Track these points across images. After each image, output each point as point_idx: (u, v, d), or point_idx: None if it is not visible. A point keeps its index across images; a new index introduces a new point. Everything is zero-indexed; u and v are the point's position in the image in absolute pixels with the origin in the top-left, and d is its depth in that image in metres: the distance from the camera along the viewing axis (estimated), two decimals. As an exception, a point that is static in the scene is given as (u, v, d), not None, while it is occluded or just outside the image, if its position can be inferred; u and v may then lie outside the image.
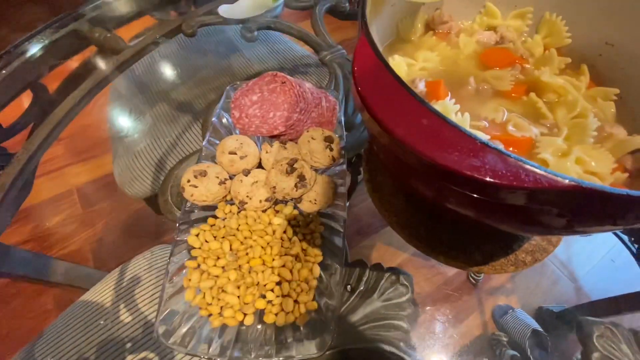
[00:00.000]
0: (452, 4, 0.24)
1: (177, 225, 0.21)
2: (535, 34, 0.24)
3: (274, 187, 0.21)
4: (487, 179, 0.11)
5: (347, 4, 0.41)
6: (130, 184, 0.40)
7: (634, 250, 0.35)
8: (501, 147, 0.14)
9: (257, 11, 0.33)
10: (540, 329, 0.42)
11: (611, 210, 0.12)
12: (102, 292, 0.34)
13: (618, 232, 0.33)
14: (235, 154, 0.23)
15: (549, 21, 0.23)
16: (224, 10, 0.35)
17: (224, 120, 0.26)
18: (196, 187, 0.21)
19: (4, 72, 0.32)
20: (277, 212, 0.21)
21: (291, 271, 0.19)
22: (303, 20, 0.42)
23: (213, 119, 0.26)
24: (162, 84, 0.46)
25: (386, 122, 0.13)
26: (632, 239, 0.36)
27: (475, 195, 0.13)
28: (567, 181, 0.10)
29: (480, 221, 0.18)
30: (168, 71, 0.47)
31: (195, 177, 0.21)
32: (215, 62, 0.47)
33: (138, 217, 0.77)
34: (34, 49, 0.34)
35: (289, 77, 0.26)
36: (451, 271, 0.73)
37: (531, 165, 0.11)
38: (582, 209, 0.12)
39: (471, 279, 0.71)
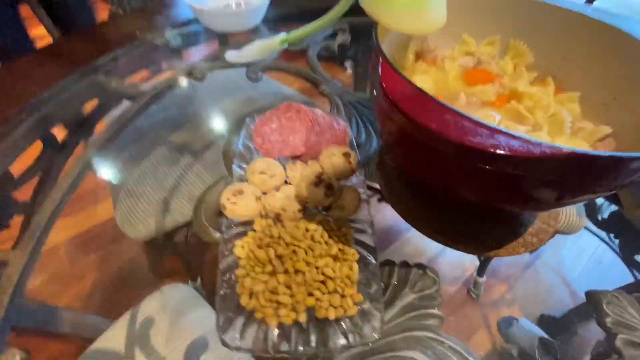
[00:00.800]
0: (435, 37, 0.29)
1: (222, 240, 0.22)
2: (505, 56, 0.29)
3: (306, 198, 0.24)
4: (507, 152, 0.14)
5: (336, 47, 0.47)
6: (133, 227, 0.41)
7: (615, 247, 0.39)
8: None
9: (264, 56, 0.37)
10: (547, 336, 0.44)
11: (598, 173, 0.15)
12: (113, 339, 0.33)
13: (599, 232, 0.37)
14: (265, 173, 0.25)
15: (514, 45, 0.28)
16: (230, 55, 0.39)
17: (247, 147, 0.29)
18: (235, 204, 0.23)
19: (22, 125, 0.33)
20: (310, 220, 0.24)
21: (333, 269, 0.21)
22: (293, 61, 0.47)
23: (238, 146, 0.28)
24: (160, 129, 0.48)
25: (422, 121, 0.16)
26: (612, 234, 0.40)
27: (492, 171, 0.16)
28: (564, 150, 0.14)
29: (492, 204, 0.21)
30: (166, 115, 0.50)
31: (234, 195, 0.23)
32: (209, 105, 0.51)
33: (131, 266, 0.75)
34: (52, 102, 0.36)
35: (302, 105, 0.30)
36: (452, 288, 0.74)
37: (537, 140, 0.14)
38: (575, 173, 0.15)
39: (472, 293, 0.73)
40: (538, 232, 0.24)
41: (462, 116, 0.15)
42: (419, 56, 0.29)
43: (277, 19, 0.49)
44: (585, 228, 0.32)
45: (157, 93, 0.37)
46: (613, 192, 0.18)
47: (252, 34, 0.47)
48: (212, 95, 0.53)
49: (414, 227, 0.25)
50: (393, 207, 0.26)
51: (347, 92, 0.39)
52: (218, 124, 0.49)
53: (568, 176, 0.15)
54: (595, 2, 0.83)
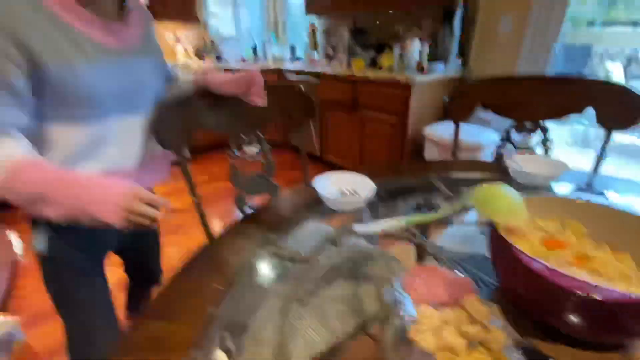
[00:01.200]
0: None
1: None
2: (566, 229, 0.44)
3: (468, 335, 0.35)
4: (604, 299, 0.27)
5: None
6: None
7: None
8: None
9: (386, 231, 0.55)
10: None
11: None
12: None
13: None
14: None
15: (570, 223, 0.44)
16: (358, 228, 0.58)
17: (399, 296, 0.42)
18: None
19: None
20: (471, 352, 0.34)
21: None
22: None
23: (394, 295, 0.42)
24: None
25: (543, 275, 0.30)
26: None
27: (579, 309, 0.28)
28: (603, 292, 0.27)
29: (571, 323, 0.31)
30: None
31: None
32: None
33: None
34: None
35: (435, 266, 0.44)
36: None
37: (622, 292, 0.27)
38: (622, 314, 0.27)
39: None
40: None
41: (560, 272, 0.29)
42: (509, 232, 0.45)
43: (376, 202, 0.70)
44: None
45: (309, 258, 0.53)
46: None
47: (358, 212, 0.67)
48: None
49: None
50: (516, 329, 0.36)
51: (444, 249, 0.54)
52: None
53: (626, 310, 0.28)
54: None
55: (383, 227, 0.56)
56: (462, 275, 0.44)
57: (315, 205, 0.70)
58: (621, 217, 0.40)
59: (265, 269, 0.56)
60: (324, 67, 2.52)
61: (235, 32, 3.60)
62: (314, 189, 0.69)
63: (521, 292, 0.37)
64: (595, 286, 0.28)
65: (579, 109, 0.88)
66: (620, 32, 5.32)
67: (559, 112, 0.91)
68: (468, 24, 1.94)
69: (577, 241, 0.42)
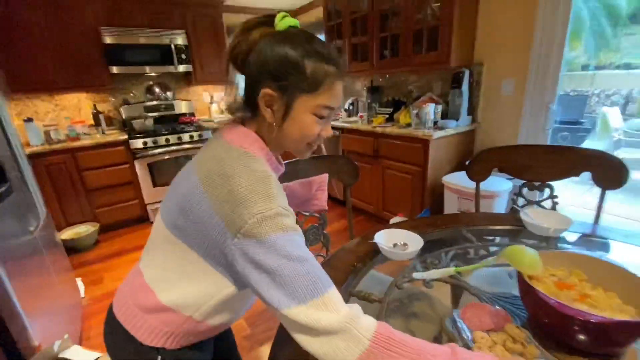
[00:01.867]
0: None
1: None
2: (571, 275, 0.63)
3: (514, 352, 0.53)
4: (599, 321, 0.46)
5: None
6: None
7: None
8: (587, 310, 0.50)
9: (439, 277, 0.75)
10: None
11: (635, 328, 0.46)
12: None
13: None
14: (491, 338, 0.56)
15: (575, 272, 0.63)
16: (417, 275, 0.77)
17: (457, 325, 0.61)
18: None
19: None
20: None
21: None
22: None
23: (456, 321, 0.60)
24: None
25: (557, 308, 0.49)
26: None
27: (594, 330, 0.47)
28: (618, 320, 0.46)
29: (578, 341, 0.50)
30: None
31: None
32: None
33: None
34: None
35: (483, 303, 0.63)
36: None
37: (610, 318, 0.46)
38: (621, 329, 0.46)
39: None
40: (631, 363, 0.51)
41: (568, 307, 0.48)
42: (531, 278, 0.64)
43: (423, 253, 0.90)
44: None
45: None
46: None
47: (410, 260, 0.86)
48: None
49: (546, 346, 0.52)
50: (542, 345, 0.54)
51: (480, 290, 0.72)
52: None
53: (613, 329, 0.46)
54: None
55: (436, 275, 0.75)
56: (500, 308, 0.63)
57: (374, 254, 0.90)
58: (609, 267, 0.60)
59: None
60: (345, 121, 2.83)
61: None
62: (373, 242, 0.89)
63: (543, 319, 0.56)
64: (592, 315, 0.47)
65: (576, 173, 1.10)
66: (613, 74, 5.65)
67: (561, 174, 1.13)
68: (475, 86, 2.25)
69: (579, 284, 0.61)
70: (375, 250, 0.91)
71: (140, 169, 2.74)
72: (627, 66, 5.91)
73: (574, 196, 3.08)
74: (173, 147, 2.84)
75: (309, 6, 3.62)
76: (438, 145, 2.11)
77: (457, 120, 2.18)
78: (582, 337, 0.51)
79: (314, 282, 0.46)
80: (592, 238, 0.96)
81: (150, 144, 2.74)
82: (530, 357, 0.53)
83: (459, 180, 2.05)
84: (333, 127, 2.83)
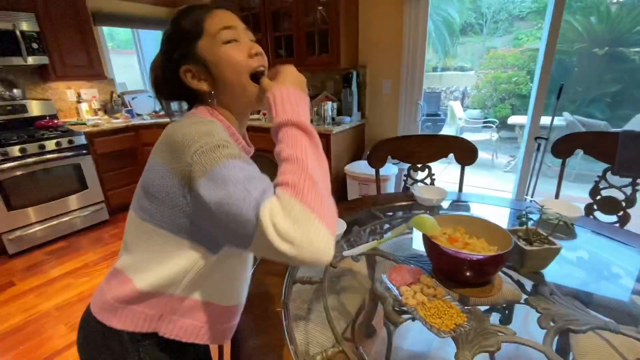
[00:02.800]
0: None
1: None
2: (456, 232, 0.85)
3: (429, 295, 0.70)
4: (469, 259, 0.66)
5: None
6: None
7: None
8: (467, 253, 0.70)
9: (364, 252, 0.88)
10: None
11: (495, 260, 0.68)
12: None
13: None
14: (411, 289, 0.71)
15: (458, 228, 0.85)
16: (346, 252, 0.89)
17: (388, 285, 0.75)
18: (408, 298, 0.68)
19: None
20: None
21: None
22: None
23: (386, 282, 0.74)
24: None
25: (452, 255, 0.68)
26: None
27: (466, 264, 0.67)
28: (484, 256, 0.66)
29: (466, 276, 0.71)
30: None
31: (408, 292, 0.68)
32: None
33: None
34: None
35: (403, 265, 0.79)
36: None
37: (477, 255, 0.66)
38: (490, 262, 0.67)
39: None
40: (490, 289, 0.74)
41: (458, 252, 0.67)
42: (433, 238, 0.83)
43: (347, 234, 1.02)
44: (514, 285, 0.82)
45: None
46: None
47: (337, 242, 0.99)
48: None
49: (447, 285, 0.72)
50: (438, 279, 0.73)
51: (395, 255, 0.90)
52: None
53: (487, 263, 0.67)
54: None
55: (362, 250, 0.89)
56: (413, 266, 0.80)
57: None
58: (478, 221, 0.83)
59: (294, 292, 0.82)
60: (246, 120, 2.81)
61: (144, 86, 3.58)
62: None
63: (444, 266, 0.75)
64: (474, 255, 0.67)
65: (445, 154, 1.42)
66: (453, 75, 7.12)
67: (435, 157, 1.44)
68: (361, 86, 2.55)
69: (462, 236, 0.83)
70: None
71: (-16, 189, 2.13)
72: (462, 68, 7.61)
73: (446, 174, 3.85)
74: (32, 159, 2.30)
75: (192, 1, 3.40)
76: (337, 139, 2.33)
77: (350, 116, 2.45)
78: (469, 272, 0.71)
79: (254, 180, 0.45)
80: (459, 203, 1.27)
81: (-4, 157, 2.15)
82: (440, 295, 0.70)
83: (357, 168, 2.32)
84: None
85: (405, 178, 1.50)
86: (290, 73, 0.58)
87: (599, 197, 1.28)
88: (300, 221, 0.40)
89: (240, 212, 0.42)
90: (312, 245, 0.40)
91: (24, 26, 2.38)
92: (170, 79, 0.61)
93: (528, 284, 0.79)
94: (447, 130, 5.10)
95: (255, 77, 0.59)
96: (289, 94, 0.53)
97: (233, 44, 0.58)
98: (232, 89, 0.59)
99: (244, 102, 0.61)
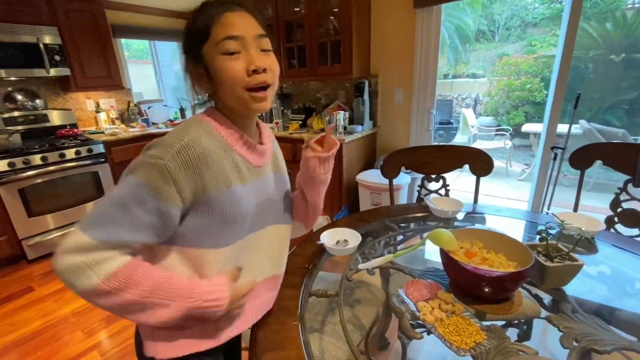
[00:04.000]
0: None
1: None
2: (474, 246, 0.84)
3: (448, 312, 0.69)
4: (488, 275, 0.65)
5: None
6: None
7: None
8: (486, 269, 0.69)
9: (380, 265, 0.88)
10: None
11: (515, 277, 0.66)
12: None
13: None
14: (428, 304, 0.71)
15: (476, 243, 0.84)
16: (361, 266, 0.89)
17: (402, 298, 0.75)
18: (425, 314, 0.67)
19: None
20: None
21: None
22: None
23: (403, 298, 0.74)
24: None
25: (470, 270, 0.67)
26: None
27: (485, 280, 0.66)
28: (505, 273, 0.65)
29: (485, 292, 0.69)
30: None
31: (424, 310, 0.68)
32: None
33: None
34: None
35: (420, 280, 0.78)
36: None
37: (496, 271, 0.66)
38: (509, 279, 0.66)
39: None
40: (509, 306, 0.73)
41: (468, 266, 0.67)
42: (450, 252, 0.82)
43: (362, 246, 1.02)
44: (534, 301, 0.80)
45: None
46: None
47: (352, 254, 0.98)
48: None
49: (462, 300, 0.71)
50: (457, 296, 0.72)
51: (412, 269, 0.89)
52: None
53: (506, 280, 0.66)
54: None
55: (378, 263, 0.88)
56: (430, 280, 0.79)
57: (320, 254, 0.99)
58: (496, 235, 0.82)
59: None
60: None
61: (160, 95, 3.67)
62: (319, 243, 0.98)
63: (462, 282, 0.74)
64: (493, 271, 0.66)
65: (460, 165, 1.41)
66: (465, 82, 7.06)
67: (449, 167, 1.43)
68: (373, 94, 2.56)
69: (479, 251, 0.82)
70: (320, 250, 1.00)
71: (7, 196, 2.21)
72: (474, 75, 7.55)
73: (458, 182, 3.80)
74: (53, 167, 2.38)
75: (206, 10, 3.48)
76: (349, 148, 2.34)
77: (362, 125, 2.46)
78: (488, 288, 0.70)
79: (108, 224, 0.50)
80: (474, 214, 1.26)
81: (19, 165, 2.23)
82: (459, 312, 0.69)
83: (369, 177, 2.32)
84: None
85: (419, 188, 1.49)
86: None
87: (620, 210, 1.24)
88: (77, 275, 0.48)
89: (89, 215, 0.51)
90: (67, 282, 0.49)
91: (47, 39, 2.48)
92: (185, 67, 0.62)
93: (546, 297, 0.77)
94: (459, 138, 5.05)
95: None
96: None
97: (233, 56, 0.56)
98: (229, 98, 0.59)
99: (242, 110, 0.61)
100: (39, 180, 2.33)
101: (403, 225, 1.20)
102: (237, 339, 0.88)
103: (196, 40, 0.57)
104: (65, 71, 2.61)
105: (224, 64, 0.56)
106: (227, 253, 0.61)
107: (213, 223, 0.57)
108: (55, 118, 2.82)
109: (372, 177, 2.30)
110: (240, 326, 0.69)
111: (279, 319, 0.74)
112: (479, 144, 4.58)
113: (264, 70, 0.57)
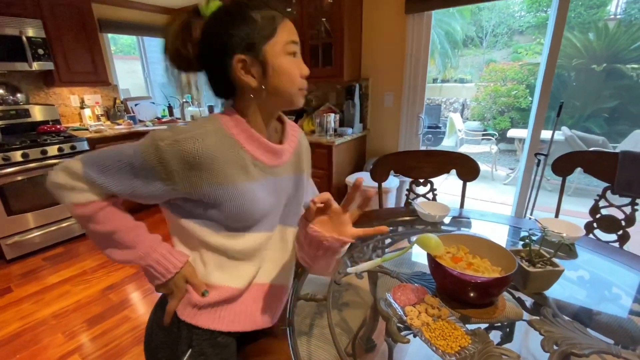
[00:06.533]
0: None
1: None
2: (460, 250, 0.86)
3: (434, 316, 0.70)
4: (473, 281, 0.67)
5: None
6: None
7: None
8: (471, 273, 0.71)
9: (368, 269, 0.89)
10: None
11: (497, 283, 0.68)
12: None
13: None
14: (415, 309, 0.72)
15: (462, 247, 0.86)
16: (350, 269, 0.90)
17: (389, 302, 0.75)
18: (412, 318, 0.68)
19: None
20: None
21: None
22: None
23: (390, 302, 0.75)
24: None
25: (456, 275, 0.68)
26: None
27: (469, 286, 0.68)
28: (486, 278, 0.67)
29: (470, 296, 0.71)
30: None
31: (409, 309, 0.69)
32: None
33: None
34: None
35: (408, 284, 0.79)
36: None
37: (481, 277, 0.67)
38: (493, 284, 0.68)
39: None
40: (489, 311, 0.74)
41: (454, 271, 0.68)
42: (437, 257, 0.84)
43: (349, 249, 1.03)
44: (516, 305, 0.82)
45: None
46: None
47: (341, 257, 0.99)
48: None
49: (446, 304, 0.72)
50: (443, 299, 0.74)
51: (399, 273, 0.90)
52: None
53: (491, 285, 0.68)
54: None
55: (367, 267, 0.89)
56: (417, 285, 0.81)
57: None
58: (481, 241, 0.84)
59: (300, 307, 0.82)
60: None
61: (147, 92, 3.60)
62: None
63: (448, 286, 0.76)
64: (478, 277, 0.67)
65: (447, 170, 1.43)
66: (453, 87, 7.20)
67: (437, 172, 1.45)
68: (364, 98, 2.58)
69: (465, 256, 0.83)
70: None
71: (-15, 193, 2.13)
72: (462, 80, 7.71)
73: (445, 185, 3.86)
74: (33, 164, 2.30)
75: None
76: (339, 150, 2.35)
77: (352, 127, 2.47)
78: (473, 293, 0.72)
79: (100, 168, 0.59)
80: (460, 219, 1.28)
81: (-1, 162, 2.16)
82: (445, 316, 0.71)
83: (358, 180, 2.33)
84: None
85: (407, 192, 1.51)
86: None
87: (598, 216, 1.29)
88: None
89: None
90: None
91: (30, 32, 2.41)
92: (216, 69, 0.62)
93: (528, 300, 0.79)
94: (446, 142, 5.14)
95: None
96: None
97: (294, 59, 0.63)
98: (282, 94, 0.63)
99: (285, 105, 0.66)
100: (18, 178, 2.26)
101: (391, 228, 1.21)
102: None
103: (257, 34, 0.59)
104: (48, 65, 2.53)
105: (291, 64, 0.62)
106: (235, 242, 0.66)
107: (220, 213, 0.62)
108: (37, 113, 2.73)
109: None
110: (234, 323, 0.70)
111: (267, 323, 0.74)
112: (465, 148, 4.67)
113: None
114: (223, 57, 0.59)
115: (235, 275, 0.68)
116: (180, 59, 0.63)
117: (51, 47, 2.54)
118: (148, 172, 0.57)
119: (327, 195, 0.56)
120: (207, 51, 0.61)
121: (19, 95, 2.65)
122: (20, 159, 2.25)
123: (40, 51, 2.46)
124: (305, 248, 0.62)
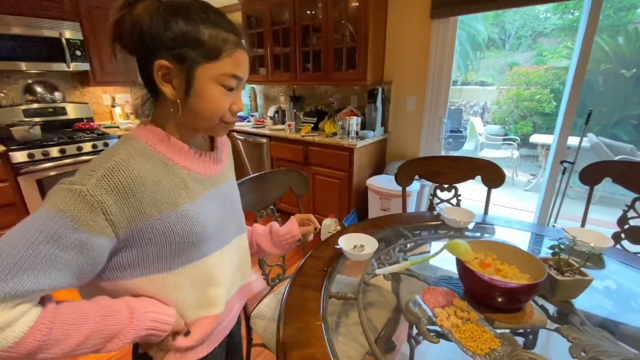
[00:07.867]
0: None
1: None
2: (487, 257, 0.88)
3: (463, 318, 0.73)
4: (502, 286, 0.69)
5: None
6: None
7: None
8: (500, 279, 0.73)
9: (397, 271, 0.92)
10: None
11: (527, 289, 0.71)
12: None
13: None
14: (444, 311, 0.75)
15: (490, 254, 0.88)
16: (379, 271, 0.93)
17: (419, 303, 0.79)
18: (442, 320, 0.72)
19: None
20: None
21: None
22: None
23: (420, 303, 0.78)
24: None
25: (485, 280, 0.71)
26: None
27: (498, 291, 0.70)
28: (516, 284, 0.70)
29: (499, 302, 0.74)
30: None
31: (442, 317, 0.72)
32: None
33: None
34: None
35: (437, 287, 0.83)
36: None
37: (511, 283, 0.70)
38: (520, 291, 0.70)
39: None
40: (519, 316, 0.77)
41: (484, 277, 0.71)
42: (466, 262, 0.87)
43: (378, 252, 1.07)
44: (543, 312, 0.84)
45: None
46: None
47: (368, 259, 1.03)
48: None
49: (475, 308, 0.75)
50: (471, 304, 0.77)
51: (426, 276, 0.93)
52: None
53: (521, 292, 0.71)
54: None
55: (395, 269, 0.93)
56: (446, 288, 0.84)
57: (337, 258, 1.03)
58: (509, 247, 0.86)
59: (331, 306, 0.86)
60: (272, 129, 2.90)
61: (173, 93, 3.72)
62: (337, 247, 1.03)
63: (477, 291, 0.78)
64: (507, 282, 0.70)
65: (472, 176, 1.45)
66: (473, 89, 7.06)
67: (462, 178, 1.47)
68: (386, 101, 2.60)
69: (493, 262, 0.86)
70: (337, 254, 1.05)
71: (26, 187, 2.27)
72: (483, 83, 7.57)
73: (466, 190, 3.84)
74: (69, 160, 2.44)
75: (224, 9, 3.54)
76: (360, 153, 2.38)
77: (373, 130, 2.50)
78: (502, 299, 0.74)
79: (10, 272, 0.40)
80: (485, 225, 1.30)
81: (38, 157, 2.29)
82: (473, 319, 0.74)
83: (379, 182, 2.36)
84: (261, 135, 2.86)
85: (431, 197, 1.53)
86: None
87: (627, 226, 1.28)
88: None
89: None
90: None
91: (69, 34, 2.54)
92: (144, 62, 0.54)
93: (551, 308, 0.81)
94: (467, 146, 5.08)
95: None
96: None
97: (227, 92, 0.56)
98: (197, 119, 0.57)
99: (203, 130, 0.60)
100: (52, 173, 2.39)
101: (416, 232, 1.24)
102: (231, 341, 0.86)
103: (196, 49, 0.51)
104: (84, 66, 2.67)
105: (218, 96, 0.55)
106: (194, 271, 0.59)
107: (166, 247, 0.54)
108: (73, 111, 2.88)
109: (382, 182, 2.34)
110: (214, 342, 0.70)
111: (302, 319, 0.78)
112: (485, 153, 4.61)
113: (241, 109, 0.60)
114: (150, 54, 0.51)
115: (210, 302, 0.63)
116: (120, 31, 0.52)
117: (88, 49, 2.68)
118: (80, 234, 0.43)
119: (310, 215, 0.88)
120: (138, 42, 0.52)
121: (56, 93, 2.80)
122: (57, 154, 2.38)
123: (78, 52, 2.60)
124: (274, 250, 0.95)
